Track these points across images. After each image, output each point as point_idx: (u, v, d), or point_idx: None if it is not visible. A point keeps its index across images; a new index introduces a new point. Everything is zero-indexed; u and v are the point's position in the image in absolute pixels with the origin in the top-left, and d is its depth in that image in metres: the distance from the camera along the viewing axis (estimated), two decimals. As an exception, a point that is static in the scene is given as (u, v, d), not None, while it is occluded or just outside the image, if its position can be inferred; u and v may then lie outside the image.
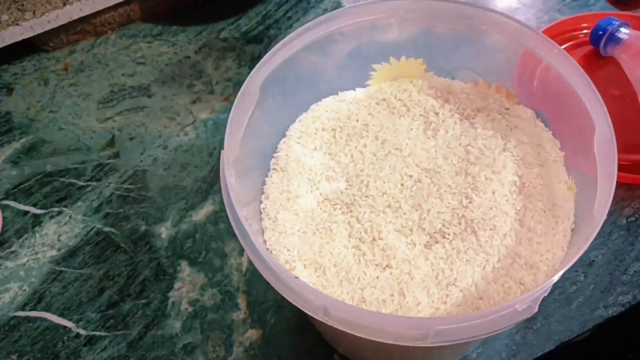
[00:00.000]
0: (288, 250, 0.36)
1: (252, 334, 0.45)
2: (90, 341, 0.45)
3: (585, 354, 0.53)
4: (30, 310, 0.47)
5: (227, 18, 0.66)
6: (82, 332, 0.46)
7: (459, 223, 0.36)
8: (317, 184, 0.39)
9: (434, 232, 0.36)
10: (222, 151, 0.34)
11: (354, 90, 0.44)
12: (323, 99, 0.43)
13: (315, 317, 0.28)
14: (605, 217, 0.30)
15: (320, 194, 0.39)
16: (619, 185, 0.50)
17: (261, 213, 0.39)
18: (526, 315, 0.27)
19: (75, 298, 0.47)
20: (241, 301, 0.46)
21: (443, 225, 0.36)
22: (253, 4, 0.67)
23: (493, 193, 0.36)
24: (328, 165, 0.40)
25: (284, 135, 0.42)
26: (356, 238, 0.36)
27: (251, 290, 0.47)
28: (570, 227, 0.35)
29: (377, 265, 0.35)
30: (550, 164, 0.37)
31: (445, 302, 0.33)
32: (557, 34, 0.58)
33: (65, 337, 0.46)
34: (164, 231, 0.50)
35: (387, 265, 0.35)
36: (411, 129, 0.40)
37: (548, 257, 0.34)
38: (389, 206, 0.37)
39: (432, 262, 0.35)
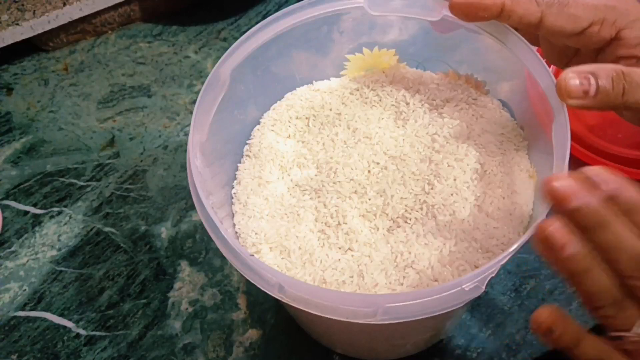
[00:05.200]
0: (256, 233, 0.37)
1: (252, 334, 0.45)
2: (90, 341, 0.45)
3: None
4: (30, 310, 0.47)
5: (227, 18, 0.66)
6: (82, 332, 0.46)
7: (421, 208, 0.36)
8: (288, 170, 0.40)
9: (397, 217, 0.37)
10: (189, 135, 0.34)
11: (329, 80, 0.44)
12: (297, 88, 0.44)
13: (272, 294, 0.29)
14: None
15: (291, 180, 0.40)
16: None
17: (232, 198, 0.40)
18: (474, 294, 0.28)
19: (75, 298, 0.47)
20: (241, 301, 0.46)
21: (405, 210, 0.37)
22: (253, 4, 0.67)
23: (454, 180, 0.37)
24: (300, 153, 0.41)
25: (257, 123, 0.42)
26: (322, 222, 0.37)
27: (251, 290, 0.47)
28: (528, 213, 0.36)
29: (339, 248, 0.36)
30: (512, 153, 0.38)
31: (402, 284, 0.34)
32: None
33: (65, 337, 0.46)
34: (164, 231, 0.50)
35: (349, 248, 0.36)
36: (382, 118, 0.41)
37: (504, 241, 0.35)
38: (355, 192, 0.38)
39: (392, 246, 0.35)
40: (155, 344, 0.45)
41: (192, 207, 0.52)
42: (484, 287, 0.28)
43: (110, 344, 0.45)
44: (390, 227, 0.36)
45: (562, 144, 0.32)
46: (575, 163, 0.51)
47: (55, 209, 0.52)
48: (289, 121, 0.42)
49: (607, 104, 0.30)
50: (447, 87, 0.42)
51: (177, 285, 0.48)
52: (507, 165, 0.38)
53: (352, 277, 0.34)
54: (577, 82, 0.31)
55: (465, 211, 0.36)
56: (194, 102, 0.59)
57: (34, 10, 0.60)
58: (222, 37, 0.64)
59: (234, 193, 0.40)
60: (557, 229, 0.25)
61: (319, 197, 0.38)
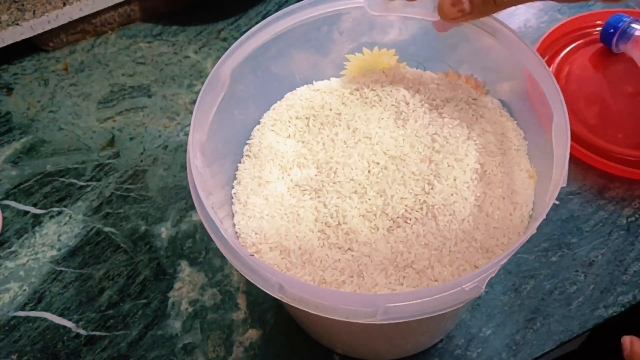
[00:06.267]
0: (256, 233, 0.37)
1: (252, 334, 0.45)
2: (90, 341, 0.45)
3: (585, 354, 0.53)
4: (30, 310, 0.47)
5: (227, 18, 0.66)
6: (82, 332, 0.46)
7: (421, 208, 0.36)
8: (288, 170, 0.40)
9: (397, 217, 0.37)
10: (189, 135, 0.34)
11: (329, 80, 0.44)
12: (297, 88, 0.44)
13: (272, 294, 0.29)
14: (555, 200, 0.30)
15: (291, 180, 0.40)
16: (619, 185, 0.50)
17: (232, 198, 0.40)
18: (474, 294, 0.28)
19: (75, 298, 0.47)
20: (241, 301, 0.46)
21: (405, 210, 0.37)
22: (253, 4, 0.67)
23: (454, 180, 0.37)
24: (300, 153, 0.41)
25: (257, 123, 0.43)
26: (322, 222, 0.37)
27: (251, 290, 0.47)
28: (528, 213, 0.36)
29: (339, 248, 0.36)
30: (512, 153, 0.38)
31: (402, 284, 0.34)
32: (567, 32, 0.58)
33: (65, 337, 0.46)
34: (164, 231, 0.50)
35: (349, 248, 0.36)
36: (382, 119, 0.41)
37: (504, 241, 0.35)
38: (355, 192, 0.38)
39: (392, 245, 0.36)
40: (155, 344, 0.45)
41: (192, 207, 0.52)
42: (484, 287, 0.28)
43: (110, 344, 0.45)
44: (390, 227, 0.36)
45: (562, 144, 0.32)
46: (575, 163, 0.51)
47: (55, 209, 0.52)
48: (289, 121, 0.42)
49: (486, 13, 0.35)
50: (447, 87, 0.42)
51: (177, 285, 0.47)
52: (507, 165, 0.38)
53: (352, 277, 0.34)
54: (451, 5, 0.34)
55: (466, 211, 0.36)
56: (194, 102, 0.59)
57: (34, 10, 0.60)
58: (222, 37, 0.64)
59: (234, 193, 0.40)
60: None
61: (319, 197, 0.38)
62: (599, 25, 0.58)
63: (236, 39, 0.38)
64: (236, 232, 0.38)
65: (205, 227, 0.32)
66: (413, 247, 0.35)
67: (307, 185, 0.39)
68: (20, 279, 0.49)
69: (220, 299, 0.47)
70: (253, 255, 0.34)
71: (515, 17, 0.63)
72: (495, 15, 0.36)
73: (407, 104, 0.41)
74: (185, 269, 0.48)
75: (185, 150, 0.54)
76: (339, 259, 0.35)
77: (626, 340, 0.39)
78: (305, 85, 0.44)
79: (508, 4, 0.34)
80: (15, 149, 0.57)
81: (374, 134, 0.40)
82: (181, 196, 0.52)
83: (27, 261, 0.50)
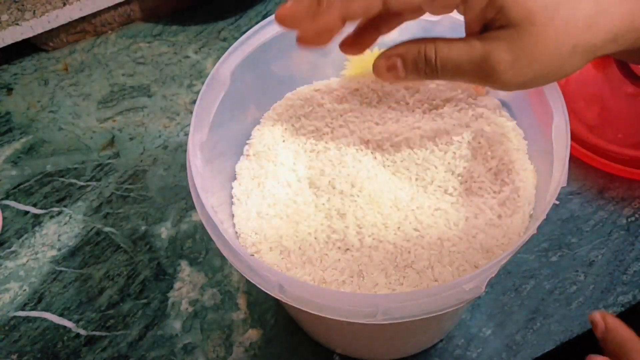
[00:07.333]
0: (256, 233, 0.37)
1: (252, 334, 0.45)
2: (90, 341, 0.45)
3: (585, 354, 0.53)
4: (30, 310, 0.47)
5: (227, 18, 0.66)
6: (82, 332, 0.46)
7: (420, 207, 0.36)
8: (288, 170, 0.40)
9: (396, 216, 0.37)
10: (189, 135, 0.34)
11: (329, 80, 0.44)
12: (297, 88, 0.44)
13: (272, 294, 0.29)
14: (555, 200, 0.30)
15: (291, 180, 0.40)
16: (619, 185, 0.50)
17: (232, 198, 0.40)
18: (474, 294, 0.28)
19: (75, 298, 0.47)
20: (241, 301, 0.46)
21: (405, 209, 0.37)
22: (253, 4, 0.67)
23: (455, 179, 0.37)
24: (299, 153, 0.41)
25: (257, 122, 0.43)
26: (322, 222, 0.37)
27: (251, 290, 0.47)
28: (529, 213, 0.36)
29: (339, 248, 0.36)
30: (512, 153, 0.38)
31: (402, 284, 0.34)
32: None
33: (65, 337, 0.46)
34: (164, 231, 0.50)
35: (348, 249, 0.36)
36: (382, 119, 0.41)
37: (504, 241, 0.35)
38: (354, 191, 0.38)
39: (392, 245, 0.36)
40: (155, 344, 0.45)
41: (192, 207, 0.52)
42: (484, 287, 0.28)
43: (110, 344, 0.45)
44: (390, 226, 0.36)
45: (562, 144, 0.32)
46: (575, 163, 0.51)
47: (55, 209, 0.52)
48: (288, 121, 0.42)
49: (421, 79, 0.31)
50: (447, 87, 0.42)
51: (177, 285, 0.48)
52: (507, 165, 0.38)
53: (352, 277, 0.34)
54: (384, 65, 0.31)
55: (466, 211, 0.36)
56: (194, 102, 0.58)
57: (34, 10, 0.60)
58: (222, 37, 0.64)
59: (234, 193, 0.40)
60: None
61: (318, 197, 0.38)
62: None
63: (236, 39, 0.38)
64: (236, 232, 0.38)
65: (205, 227, 0.32)
66: (413, 247, 0.35)
67: (307, 185, 0.39)
68: (20, 279, 0.49)
69: (220, 299, 0.47)
70: (253, 255, 0.33)
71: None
72: None
73: (407, 103, 0.41)
74: (185, 269, 0.48)
75: (185, 150, 0.54)
76: (339, 259, 0.35)
77: (597, 317, 0.33)
78: (305, 85, 0.44)
79: (450, 76, 0.30)
80: (15, 149, 0.57)
81: (373, 134, 0.40)
82: (181, 196, 0.52)
83: (27, 261, 0.50)
